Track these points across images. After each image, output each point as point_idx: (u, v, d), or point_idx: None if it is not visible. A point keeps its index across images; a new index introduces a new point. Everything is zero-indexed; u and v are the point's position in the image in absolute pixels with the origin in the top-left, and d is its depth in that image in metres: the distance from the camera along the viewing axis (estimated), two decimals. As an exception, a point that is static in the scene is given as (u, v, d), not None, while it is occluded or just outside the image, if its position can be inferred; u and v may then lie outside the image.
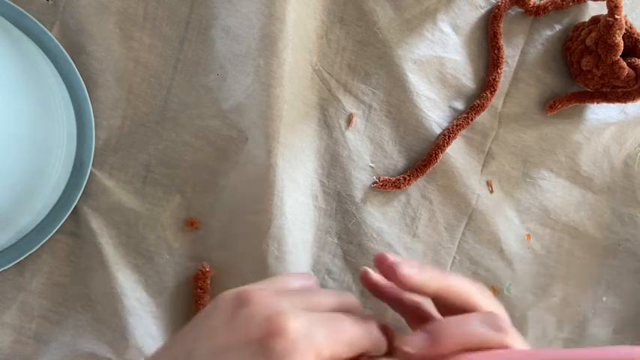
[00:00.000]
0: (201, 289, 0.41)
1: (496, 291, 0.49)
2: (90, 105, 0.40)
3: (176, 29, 0.41)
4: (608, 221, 0.52)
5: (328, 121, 0.45)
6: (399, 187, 0.45)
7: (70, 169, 0.39)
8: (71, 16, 0.39)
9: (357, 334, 0.26)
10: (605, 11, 0.43)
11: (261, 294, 0.26)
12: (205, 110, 0.42)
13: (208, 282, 0.42)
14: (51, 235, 0.39)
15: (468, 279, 0.31)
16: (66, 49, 0.39)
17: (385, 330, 0.29)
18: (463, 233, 0.48)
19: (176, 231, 0.42)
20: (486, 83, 0.47)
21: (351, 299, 0.30)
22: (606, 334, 0.53)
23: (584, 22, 0.48)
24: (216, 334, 0.25)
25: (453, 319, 0.28)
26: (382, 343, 0.27)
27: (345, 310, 0.28)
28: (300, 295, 0.27)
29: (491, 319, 0.27)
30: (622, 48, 0.43)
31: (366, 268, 0.35)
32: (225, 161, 0.42)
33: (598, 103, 0.49)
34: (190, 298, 0.42)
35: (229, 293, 0.26)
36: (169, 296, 0.42)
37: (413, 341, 0.26)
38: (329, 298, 0.28)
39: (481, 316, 0.28)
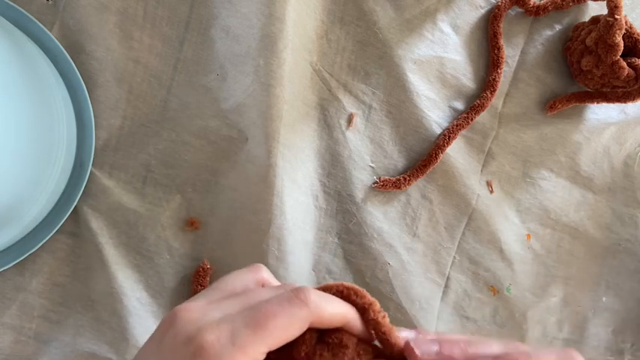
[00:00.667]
0: (200, 285, 0.41)
1: (496, 291, 0.49)
2: (90, 105, 0.40)
3: (176, 29, 0.41)
4: (608, 221, 0.52)
5: (328, 121, 0.45)
6: (399, 187, 0.45)
7: (70, 169, 0.39)
8: (71, 16, 0.39)
9: (286, 312, 0.24)
10: (605, 11, 0.43)
11: (189, 309, 0.25)
12: (205, 110, 0.42)
13: (208, 279, 0.42)
14: (51, 235, 0.39)
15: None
16: (66, 49, 0.39)
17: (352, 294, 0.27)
18: (463, 233, 0.48)
19: (176, 231, 0.42)
20: (486, 83, 0.47)
21: (292, 287, 0.28)
22: (606, 334, 0.53)
23: (584, 22, 0.48)
24: (150, 357, 0.25)
25: (473, 341, 0.27)
26: (325, 313, 0.25)
27: None
28: (235, 299, 0.26)
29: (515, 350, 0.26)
30: (622, 48, 0.43)
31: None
32: (225, 161, 0.42)
33: (598, 103, 0.49)
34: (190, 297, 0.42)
35: (167, 314, 0.26)
36: (170, 296, 0.42)
37: (423, 346, 0.26)
38: (268, 294, 0.26)
39: (502, 344, 0.27)
